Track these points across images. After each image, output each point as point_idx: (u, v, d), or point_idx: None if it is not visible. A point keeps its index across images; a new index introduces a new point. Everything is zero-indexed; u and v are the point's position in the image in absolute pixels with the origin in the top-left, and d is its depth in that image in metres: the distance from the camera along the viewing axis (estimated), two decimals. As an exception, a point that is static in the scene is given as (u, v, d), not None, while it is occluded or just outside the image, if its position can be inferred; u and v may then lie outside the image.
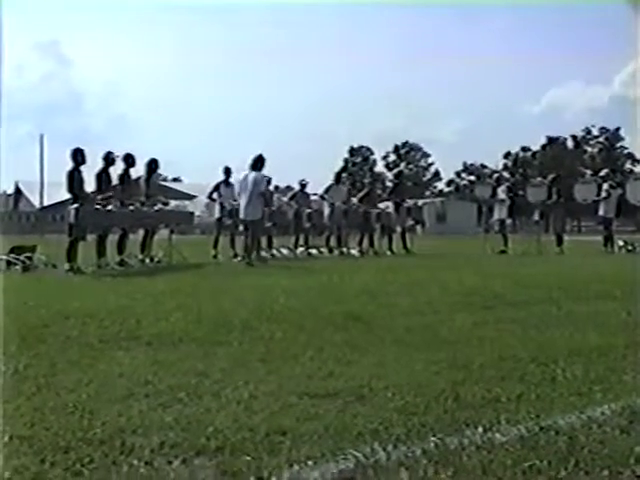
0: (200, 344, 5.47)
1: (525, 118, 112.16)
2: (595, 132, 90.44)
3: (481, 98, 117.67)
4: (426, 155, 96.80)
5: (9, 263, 12.75)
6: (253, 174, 14.89)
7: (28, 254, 13.15)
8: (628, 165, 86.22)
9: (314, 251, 18.17)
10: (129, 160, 14.14)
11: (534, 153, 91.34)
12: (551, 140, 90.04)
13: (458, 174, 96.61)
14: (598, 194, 20.81)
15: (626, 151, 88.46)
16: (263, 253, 15.65)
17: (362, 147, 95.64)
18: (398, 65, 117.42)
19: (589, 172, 69.80)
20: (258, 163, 14.92)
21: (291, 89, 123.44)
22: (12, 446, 3.13)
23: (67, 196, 13.06)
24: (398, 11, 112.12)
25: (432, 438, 3.22)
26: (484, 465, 2.94)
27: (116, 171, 13.83)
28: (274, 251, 17.62)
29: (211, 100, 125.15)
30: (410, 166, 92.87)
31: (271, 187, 14.73)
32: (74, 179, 12.60)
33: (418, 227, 22.69)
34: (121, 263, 13.51)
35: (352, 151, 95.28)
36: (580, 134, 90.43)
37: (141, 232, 15.03)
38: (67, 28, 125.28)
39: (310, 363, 4.75)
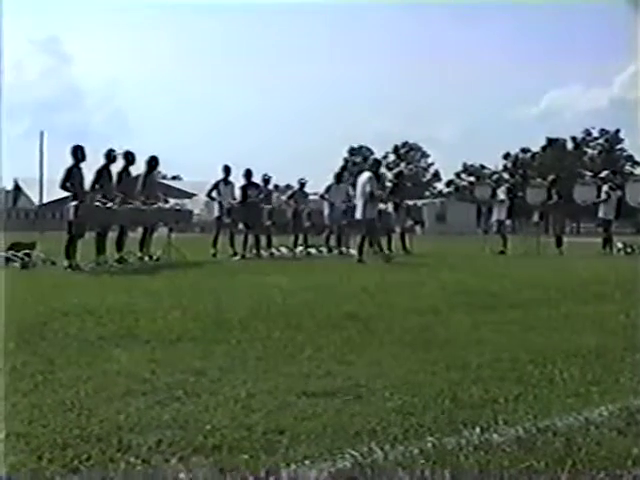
0: (198, 342, 5.48)
1: (525, 119, 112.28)
2: (595, 134, 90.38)
3: (481, 99, 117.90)
4: (426, 155, 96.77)
5: (8, 260, 12.72)
6: (363, 176, 15.15)
7: (27, 251, 13.13)
8: (628, 167, 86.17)
9: (313, 250, 18.16)
10: (129, 158, 14.14)
11: (534, 154, 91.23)
12: (551, 141, 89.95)
13: (458, 175, 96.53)
14: (598, 196, 20.79)
15: (626, 153, 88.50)
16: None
17: (362, 147, 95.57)
18: (398, 66, 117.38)
19: (589, 174, 69.88)
20: (373, 166, 15.84)
21: (291, 88, 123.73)
22: (9, 443, 3.13)
23: (66, 193, 13.04)
24: (398, 13, 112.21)
25: (429, 438, 3.21)
26: (481, 465, 2.93)
27: (116, 168, 13.85)
28: (273, 250, 17.63)
29: (212, 97, 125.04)
30: (410, 166, 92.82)
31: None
32: (70, 176, 12.58)
33: (417, 227, 22.64)
34: (120, 261, 13.50)
35: (352, 151, 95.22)
36: (580, 136, 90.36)
37: (140, 230, 15.04)
38: (66, 24, 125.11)
39: (308, 362, 4.75)
